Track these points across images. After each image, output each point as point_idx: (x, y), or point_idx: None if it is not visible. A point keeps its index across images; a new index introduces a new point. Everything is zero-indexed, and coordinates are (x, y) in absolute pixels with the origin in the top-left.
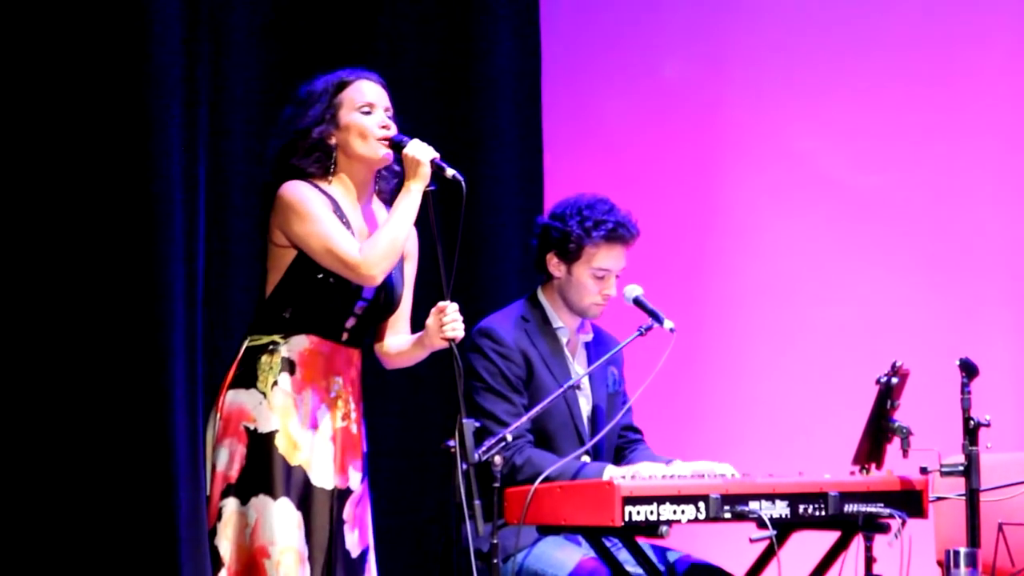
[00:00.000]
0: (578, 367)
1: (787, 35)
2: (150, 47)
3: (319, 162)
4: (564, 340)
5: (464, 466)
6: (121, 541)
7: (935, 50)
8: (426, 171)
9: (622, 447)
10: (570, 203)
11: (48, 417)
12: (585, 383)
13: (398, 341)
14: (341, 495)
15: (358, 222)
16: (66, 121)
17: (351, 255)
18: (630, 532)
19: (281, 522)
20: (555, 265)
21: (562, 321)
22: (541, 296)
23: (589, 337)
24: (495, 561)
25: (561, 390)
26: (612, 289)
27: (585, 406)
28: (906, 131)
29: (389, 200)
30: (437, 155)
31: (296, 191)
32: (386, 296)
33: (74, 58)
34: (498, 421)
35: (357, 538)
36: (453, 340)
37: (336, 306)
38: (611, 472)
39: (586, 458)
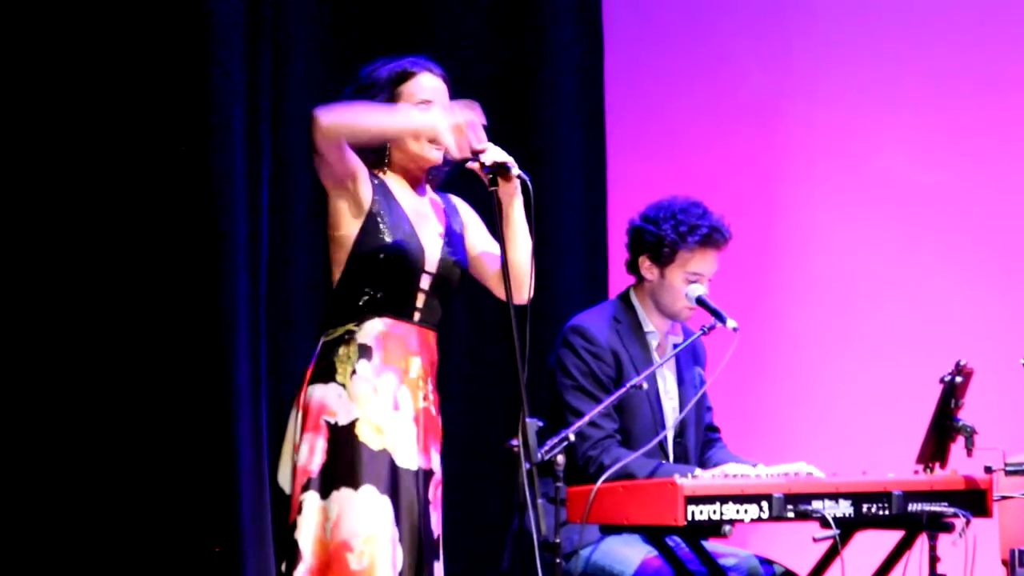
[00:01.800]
0: (666, 370)
1: (849, 34)
2: (212, 46)
3: (376, 152)
4: (654, 344)
5: (527, 466)
6: (186, 536)
7: (1000, 46)
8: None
9: (703, 447)
10: (664, 206)
11: (114, 415)
12: (673, 387)
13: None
14: (426, 476)
15: (417, 210)
16: (129, 121)
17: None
18: (693, 531)
19: (366, 511)
20: (647, 268)
21: (653, 325)
22: (633, 298)
23: (679, 338)
24: (557, 561)
25: (624, 389)
26: (705, 292)
27: (670, 408)
28: (969, 129)
29: (435, 185)
30: (511, 159)
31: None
32: (447, 269)
33: (136, 61)
34: (591, 423)
35: (437, 520)
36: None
37: (401, 282)
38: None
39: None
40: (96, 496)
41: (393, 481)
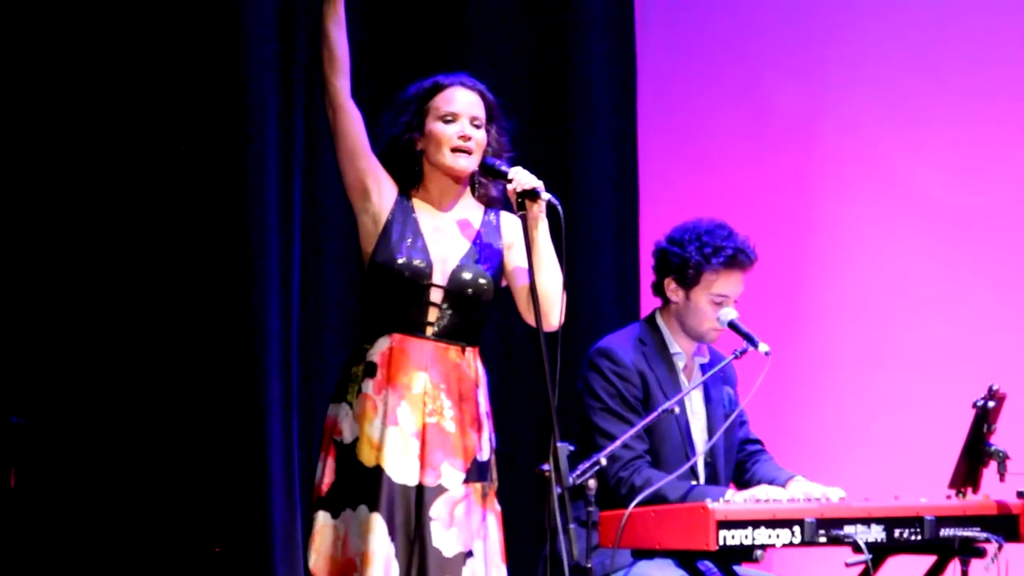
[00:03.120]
0: (693, 393)
1: (885, 54)
2: (246, 62)
3: (408, 168)
4: (680, 365)
5: (559, 490)
6: (216, 556)
7: None
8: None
9: (743, 461)
10: (689, 228)
11: (147, 432)
12: (700, 407)
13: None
14: (430, 492)
15: (437, 226)
16: (163, 138)
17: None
18: (725, 556)
19: (363, 530)
20: (673, 290)
21: (679, 346)
22: (659, 320)
23: (705, 359)
24: None
25: (656, 413)
26: (733, 314)
27: (698, 429)
28: (1004, 151)
29: (488, 203)
30: (540, 183)
31: None
32: (464, 282)
33: (172, 75)
34: (623, 445)
35: (455, 538)
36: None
37: (408, 297)
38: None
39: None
40: (133, 516)
41: (387, 497)
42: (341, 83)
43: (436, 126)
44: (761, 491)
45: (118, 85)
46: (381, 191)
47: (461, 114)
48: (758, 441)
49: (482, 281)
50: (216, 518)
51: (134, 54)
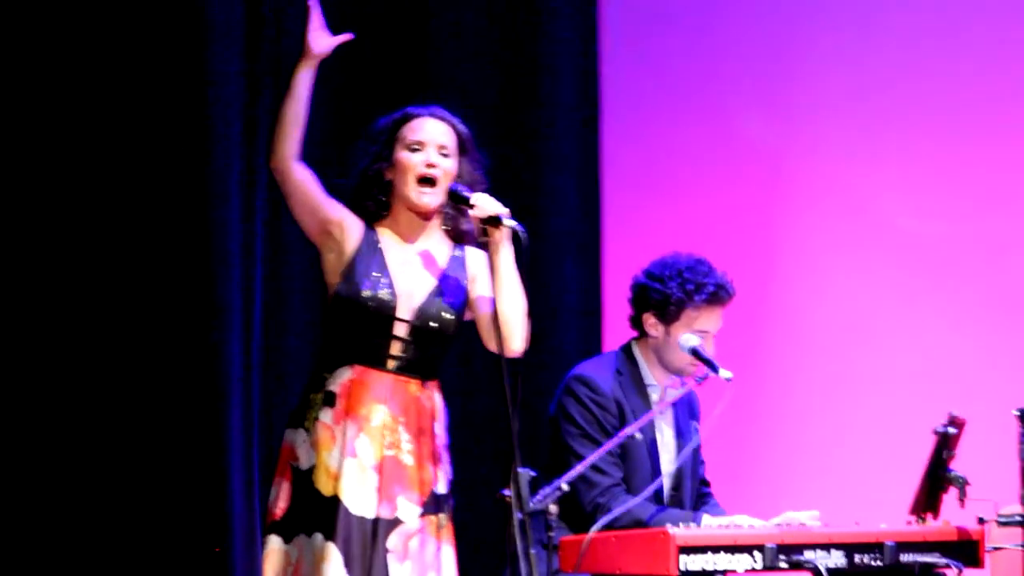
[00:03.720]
0: (664, 425)
1: (849, 81)
2: (211, 77)
3: (375, 199)
4: (655, 397)
5: (520, 516)
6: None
7: (999, 102)
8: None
9: (695, 501)
10: (669, 264)
11: (105, 455)
12: (670, 438)
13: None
14: (386, 524)
15: (404, 259)
16: (124, 149)
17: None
18: None
19: (317, 558)
20: (652, 325)
21: (655, 379)
22: (636, 351)
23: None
24: None
25: (618, 439)
26: (709, 348)
27: (667, 460)
28: (967, 181)
29: (458, 239)
30: (504, 210)
31: None
32: (428, 318)
33: (135, 84)
34: (593, 467)
35: (410, 570)
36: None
37: (371, 331)
38: (706, 523)
39: None
40: (91, 533)
41: (344, 527)
42: (291, 150)
43: (403, 155)
44: (741, 519)
45: (79, 91)
46: (345, 230)
47: (428, 143)
48: (707, 483)
49: (447, 316)
50: (175, 541)
51: (94, 58)
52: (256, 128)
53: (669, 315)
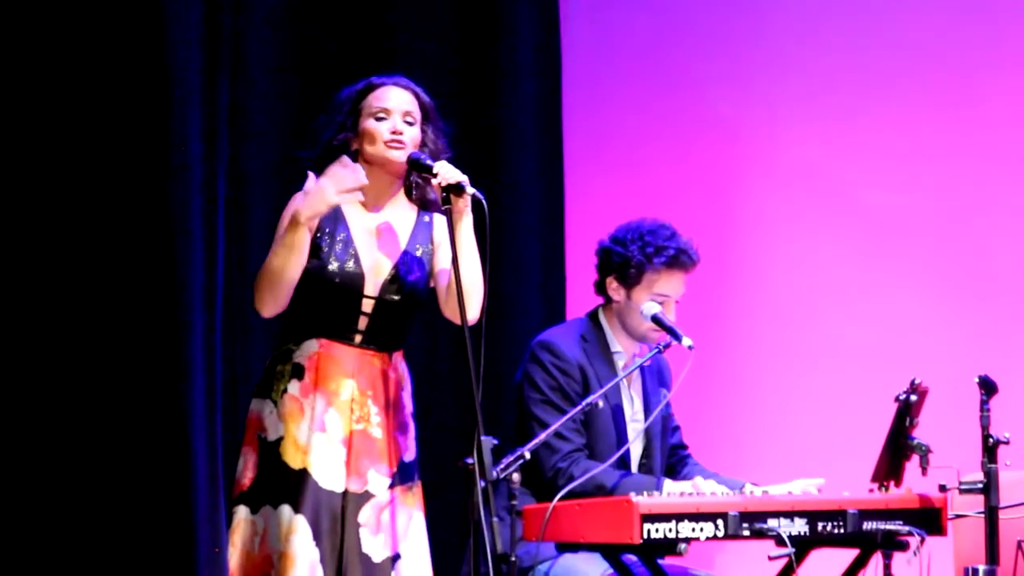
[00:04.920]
0: (634, 394)
1: (808, 55)
2: (169, 57)
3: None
4: (621, 364)
5: (483, 483)
6: (139, 550)
7: (957, 71)
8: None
9: (673, 465)
10: (632, 228)
11: (67, 426)
12: (639, 406)
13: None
14: (356, 498)
15: (368, 230)
16: (84, 132)
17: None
18: (649, 550)
19: (285, 531)
20: (615, 289)
21: (620, 346)
22: (602, 318)
23: (640, 360)
24: None
25: (581, 406)
26: (671, 315)
27: (635, 431)
28: (926, 150)
29: (425, 206)
30: (465, 178)
31: (290, 203)
32: (393, 293)
33: (94, 68)
34: (555, 433)
35: (383, 543)
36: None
37: (339, 307)
38: (668, 488)
39: None
40: (52, 513)
41: (313, 501)
42: (283, 306)
43: (369, 123)
44: (705, 485)
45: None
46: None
47: (393, 111)
48: (686, 447)
49: (412, 288)
50: (139, 514)
51: (50, 36)
52: (216, 85)
53: (630, 278)
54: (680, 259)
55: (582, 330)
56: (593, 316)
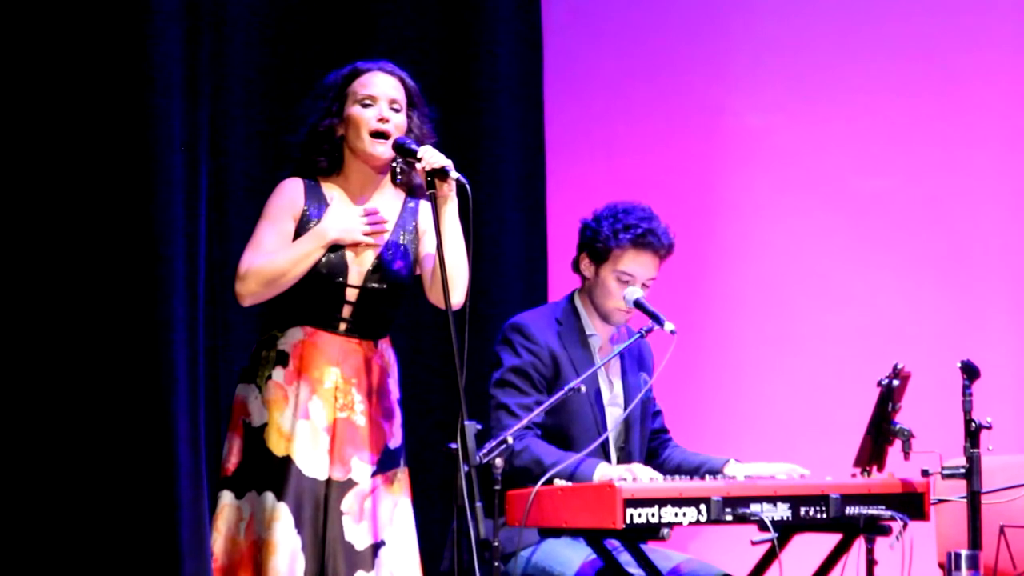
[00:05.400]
0: (612, 378)
1: (790, 39)
2: (150, 46)
3: (328, 155)
4: (596, 347)
5: (466, 468)
6: (122, 537)
7: (939, 55)
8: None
9: (655, 449)
10: (611, 206)
11: (50, 413)
12: (619, 390)
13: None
14: (340, 486)
15: (351, 215)
16: (66, 122)
17: (242, 265)
18: (631, 535)
19: (268, 518)
20: (586, 266)
21: (595, 328)
22: (577, 300)
23: (622, 345)
24: (496, 564)
25: (563, 392)
26: (641, 296)
27: (614, 416)
28: (908, 135)
29: (410, 192)
30: (449, 162)
31: (276, 189)
32: (378, 282)
33: (74, 59)
34: (510, 413)
35: (366, 530)
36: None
37: (323, 297)
38: (602, 470)
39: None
40: (35, 501)
41: (296, 489)
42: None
43: (355, 110)
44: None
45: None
46: (297, 215)
47: (379, 97)
48: (667, 431)
49: (397, 276)
50: (121, 499)
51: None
52: (197, 68)
53: (598, 254)
54: (647, 239)
55: (558, 313)
56: (571, 299)
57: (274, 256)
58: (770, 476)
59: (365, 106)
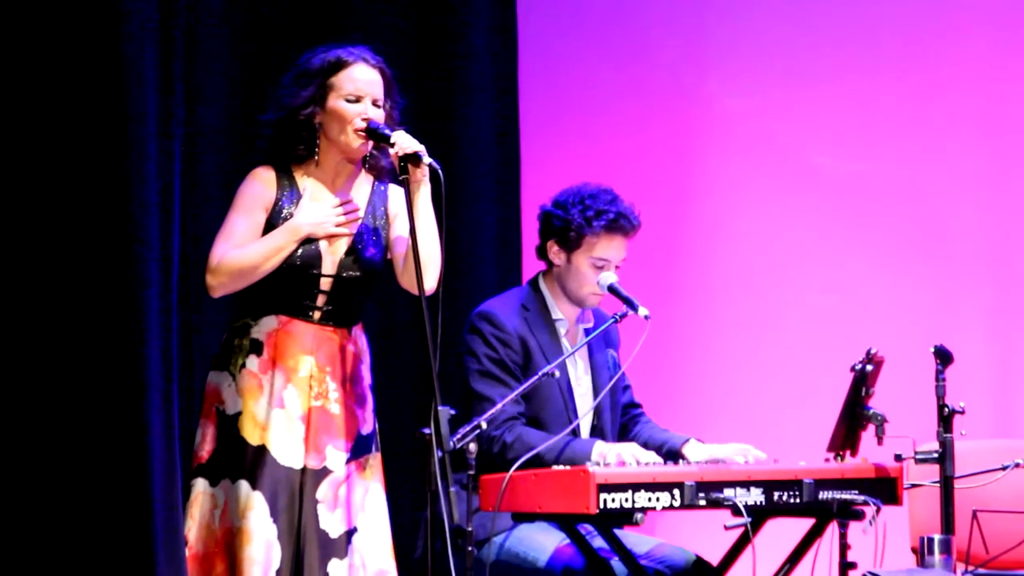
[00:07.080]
0: (577, 356)
1: (767, 23)
2: (123, 42)
3: (305, 143)
4: (563, 331)
5: (439, 453)
6: (95, 529)
7: (913, 40)
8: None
9: (626, 424)
10: (573, 191)
11: (22, 404)
12: (584, 372)
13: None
14: (315, 474)
15: (324, 205)
16: (39, 118)
17: (213, 256)
18: (605, 519)
19: (243, 507)
20: (555, 253)
21: (561, 312)
22: (542, 284)
23: (589, 324)
24: (469, 549)
25: (536, 377)
26: (615, 280)
27: (582, 394)
28: (883, 120)
29: (379, 175)
30: (422, 147)
31: (247, 179)
32: (351, 271)
33: (48, 56)
34: (490, 402)
35: (340, 518)
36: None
37: (296, 286)
38: (599, 448)
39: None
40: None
41: (270, 477)
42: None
43: (340, 104)
44: (628, 448)
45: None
46: (267, 205)
47: (365, 94)
48: (639, 405)
49: (371, 263)
50: (94, 490)
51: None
52: (171, 61)
53: (570, 242)
54: (620, 223)
55: (522, 299)
56: (534, 283)
57: (246, 249)
58: (721, 460)
59: (350, 102)
